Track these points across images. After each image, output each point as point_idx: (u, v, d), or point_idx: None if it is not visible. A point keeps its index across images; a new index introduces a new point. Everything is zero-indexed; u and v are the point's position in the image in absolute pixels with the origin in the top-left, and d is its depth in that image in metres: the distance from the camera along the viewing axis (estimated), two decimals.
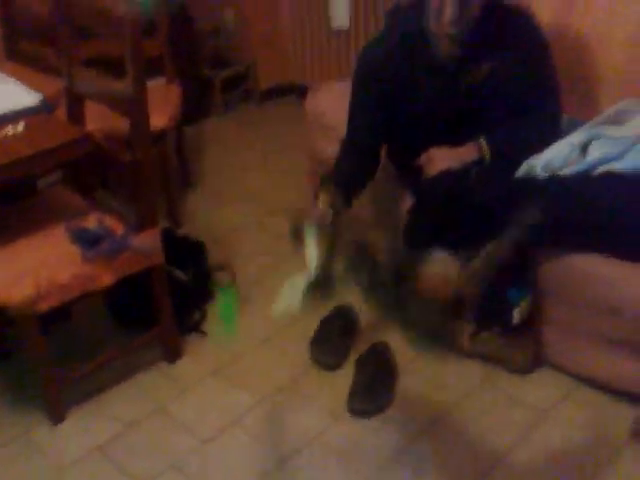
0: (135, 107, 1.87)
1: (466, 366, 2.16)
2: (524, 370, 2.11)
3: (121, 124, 1.96)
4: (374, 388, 2.06)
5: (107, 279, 1.92)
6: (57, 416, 2.01)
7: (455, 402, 2.04)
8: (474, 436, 1.94)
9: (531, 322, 2.07)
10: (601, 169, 1.94)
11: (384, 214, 2.35)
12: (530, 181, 1.99)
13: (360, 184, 2.14)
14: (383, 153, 2.24)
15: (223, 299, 2.48)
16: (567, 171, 1.97)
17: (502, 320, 2.05)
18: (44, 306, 1.83)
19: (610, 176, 1.91)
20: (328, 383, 2.13)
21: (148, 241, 1.99)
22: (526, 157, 2.04)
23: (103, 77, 1.99)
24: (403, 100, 2.08)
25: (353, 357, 2.18)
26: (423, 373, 2.15)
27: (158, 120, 2.56)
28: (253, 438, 1.96)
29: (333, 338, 2.23)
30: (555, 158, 1.99)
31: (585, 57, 2.32)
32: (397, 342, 2.24)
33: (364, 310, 2.35)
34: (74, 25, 2.03)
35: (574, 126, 2.12)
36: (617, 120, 2.13)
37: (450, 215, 1.97)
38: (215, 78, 3.89)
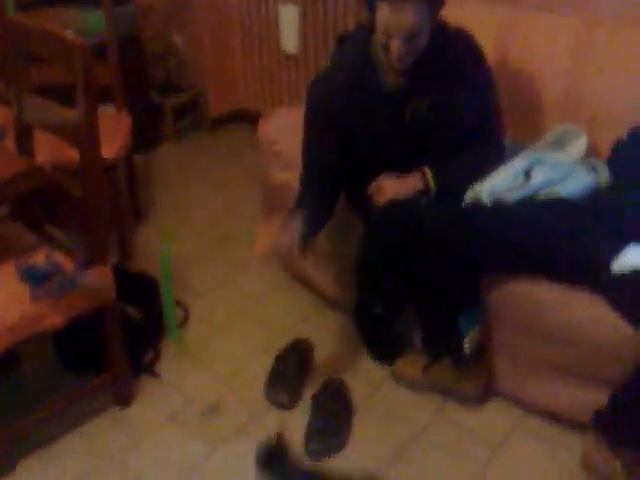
0: (86, 137, 1.80)
1: (421, 399, 2.15)
2: (476, 400, 2.12)
3: (70, 155, 1.89)
4: (331, 427, 2.03)
5: (57, 319, 1.83)
6: (6, 469, 1.91)
7: (411, 438, 2.03)
8: (432, 473, 1.92)
9: (482, 352, 2.07)
10: (544, 193, 1.99)
11: (337, 244, 2.32)
12: (475, 210, 2.00)
13: (326, 211, 2.10)
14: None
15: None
16: (511, 196, 1.99)
17: (453, 350, 2.05)
18: None
19: (554, 202, 1.96)
20: (285, 423, 2.08)
21: (99, 278, 1.91)
22: (471, 183, 2.05)
23: (53, 105, 1.90)
24: (355, 129, 2.08)
25: (309, 392, 2.14)
26: (379, 407, 2.13)
27: (109, 150, 2.47)
28: None
29: (288, 376, 2.17)
30: (499, 184, 2.01)
31: (525, 85, 2.38)
32: (352, 376, 2.21)
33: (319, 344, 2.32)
34: (23, 52, 1.96)
35: (515, 150, 2.17)
36: (557, 144, 2.21)
37: (401, 244, 1.97)
38: (166, 105, 3.81)
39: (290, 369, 2.20)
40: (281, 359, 2.24)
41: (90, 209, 1.87)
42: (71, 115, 1.79)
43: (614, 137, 2.15)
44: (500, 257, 1.94)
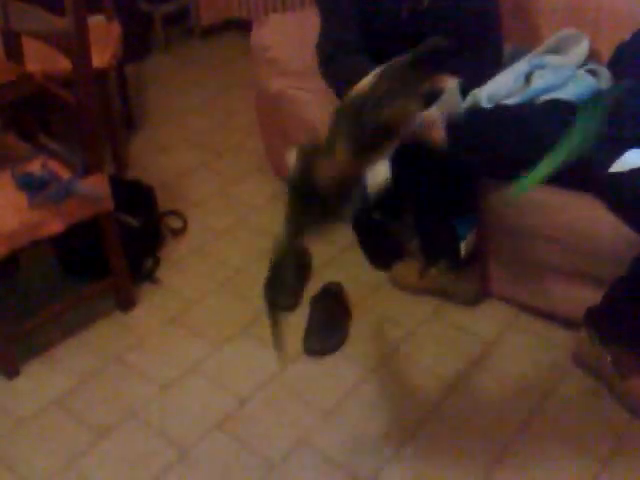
0: (77, 44, 1.77)
1: (416, 302, 2.20)
2: (471, 302, 2.17)
3: (62, 65, 1.86)
4: (329, 327, 2.08)
5: (56, 226, 1.84)
6: (11, 371, 1.96)
7: (407, 335, 2.08)
8: (428, 366, 1.98)
9: (477, 255, 2.10)
10: (544, 98, 1.97)
11: None
12: (474, 114, 1.98)
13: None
14: None
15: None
16: (511, 101, 1.98)
17: (450, 254, 2.09)
18: None
19: (554, 103, 1.94)
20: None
21: (95, 186, 1.92)
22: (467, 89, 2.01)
23: (40, 12, 1.86)
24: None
25: (307, 297, 2.17)
26: (376, 309, 2.18)
27: (99, 59, 2.43)
28: (211, 383, 1.95)
29: (287, 280, 2.21)
30: (500, 89, 2.00)
31: None
32: (349, 281, 2.25)
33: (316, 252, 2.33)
34: None
35: (517, 55, 2.14)
36: (559, 49, 2.17)
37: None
38: (155, 13, 3.72)
39: (289, 273, 2.24)
40: (279, 264, 2.27)
41: (84, 117, 1.86)
42: (61, 23, 1.76)
43: (616, 42, 2.11)
44: (499, 160, 1.92)
